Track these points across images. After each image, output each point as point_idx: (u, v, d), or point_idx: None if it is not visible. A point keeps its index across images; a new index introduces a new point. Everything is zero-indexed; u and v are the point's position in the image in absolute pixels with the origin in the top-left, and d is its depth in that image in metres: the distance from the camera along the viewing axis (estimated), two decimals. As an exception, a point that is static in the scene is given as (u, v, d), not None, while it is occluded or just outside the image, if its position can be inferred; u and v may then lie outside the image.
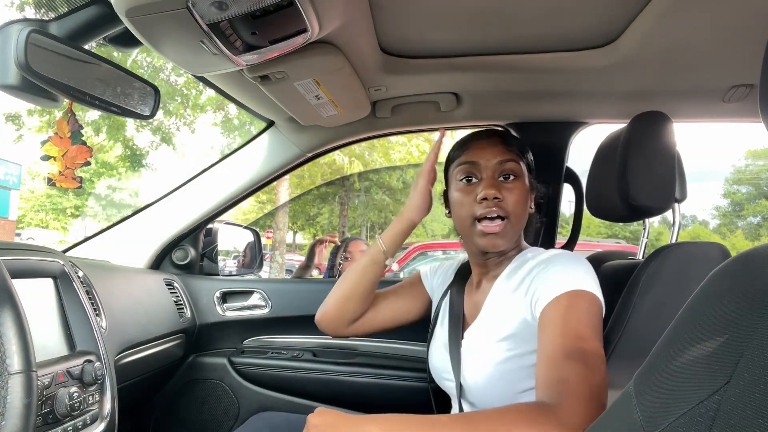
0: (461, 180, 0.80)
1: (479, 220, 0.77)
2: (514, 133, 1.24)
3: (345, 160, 9.11)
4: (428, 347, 0.90)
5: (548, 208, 1.22)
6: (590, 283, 0.66)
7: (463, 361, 0.76)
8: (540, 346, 0.63)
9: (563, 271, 0.67)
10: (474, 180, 0.79)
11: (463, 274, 0.91)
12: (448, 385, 0.82)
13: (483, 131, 0.85)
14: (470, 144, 0.82)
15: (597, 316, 0.64)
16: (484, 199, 0.75)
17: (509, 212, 0.76)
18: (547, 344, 0.62)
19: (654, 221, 1.11)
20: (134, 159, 8.14)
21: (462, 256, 0.95)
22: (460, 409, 0.78)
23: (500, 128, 1.18)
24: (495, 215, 0.76)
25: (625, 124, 0.86)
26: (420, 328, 1.37)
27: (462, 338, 0.79)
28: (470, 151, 0.81)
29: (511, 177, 0.78)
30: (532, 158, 0.83)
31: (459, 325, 0.80)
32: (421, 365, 1.31)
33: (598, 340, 0.61)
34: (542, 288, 0.67)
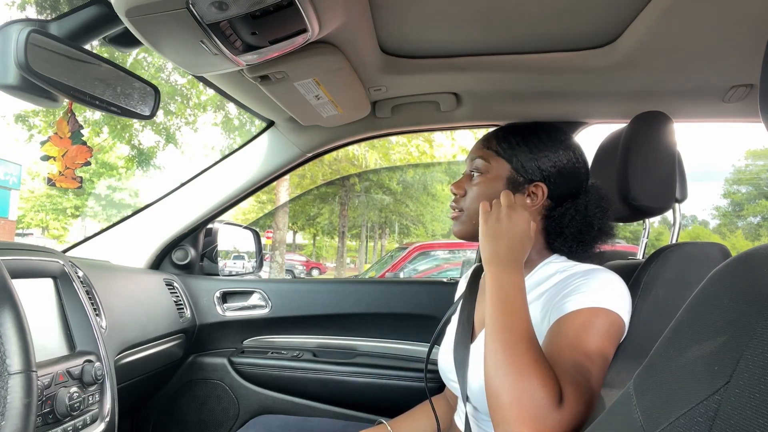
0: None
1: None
2: None
3: (358, 151, 9.10)
4: (433, 343, 0.90)
5: None
6: (615, 303, 0.63)
7: (470, 367, 0.75)
8: (545, 351, 0.62)
9: (591, 288, 0.65)
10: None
11: (476, 277, 0.90)
12: (453, 386, 0.82)
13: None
14: None
15: (612, 338, 0.62)
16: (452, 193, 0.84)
17: (465, 206, 0.81)
18: (552, 351, 0.60)
19: (654, 221, 1.11)
20: (142, 159, 8.13)
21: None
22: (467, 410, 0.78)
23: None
24: (454, 208, 0.83)
25: (625, 124, 0.86)
26: (420, 328, 1.38)
27: (472, 342, 0.78)
28: None
29: (477, 174, 0.81)
30: (535, 157, 0.78)
31: (467, 331, 0.79)
32: (421, 365, 1.31)
33: (602, 363, 0.60)
34: (563, 302, 0.65)
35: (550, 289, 0.71)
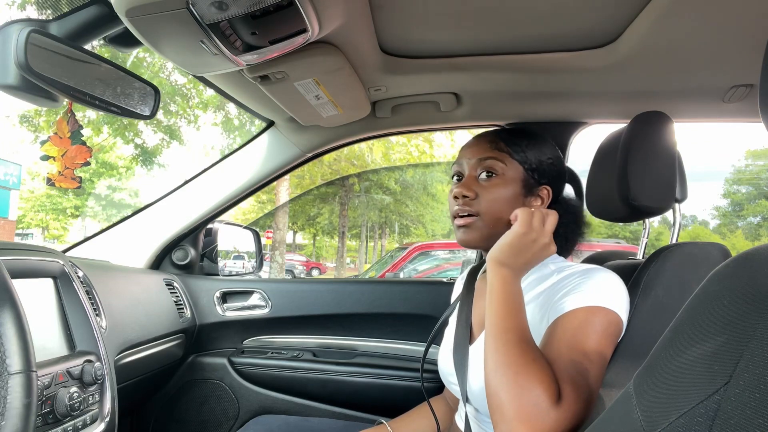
0: (452, 178, 0.83)
1: (455, 217, 0.79)
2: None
3: (363, 146, 9.12)
4: (429, 345, 0.90)
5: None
6: (613, 302, 0.63)
7: (470, 368, 0.75)
8: (543, 350, 0.62)
9: (588, 288, 0.65)
10: (462, 179, 0.81)
11: (472, 278, 0.90)
12: (454, 388, 0.82)
13: (483, 132, 0.85)
14: (464, 145, 0.84)
15: (610, 337, 0.62)
16: (455, 197, 0.78)
17: (482, 211, 0.76)
18: (550, 350, 0.60)
19: (654, 221, 1.11)
20: (145, 158, 8.15)
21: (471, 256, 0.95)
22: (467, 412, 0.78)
23: (501, 127, 1.18)
24: (465, 213, 0.77)
25: (625, 124, 0.85)
26: (420, 328, 1.38)
27: (471, 343, 0.78)
28: (461, 151, 0.83)
29: (492, 175, 0.77)
30: (542, 160, 0.79)
31: (466, 333, 0.79)
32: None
33: (600, 362, 0.60)
34: (561, 301, 0.65)
35: (548, 289, 0.71)
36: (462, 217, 0.78)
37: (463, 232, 0.78)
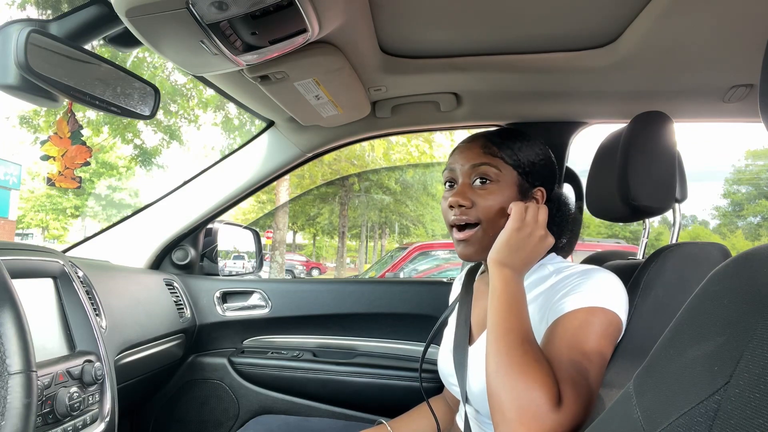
0: (445, 185, 0.82)
1: (452, 227, 0.78)
2: None
3: (366, 144, 9.12)
4: (428, 345, 0.90)
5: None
6: (612, 302, 0.63)
7: (470, 369, 0.75)
8: (543, 351, 0.62)
9: (587, 288, 0.65)
10: (455, 186, 0.79)
11: (470, 278, 0.90)
12: (454, 389, 0.82)
13: (473, 134, 0.84)
14: (455, 149, 0.82)
15: (610, 337, 0.62)
16: (451, 206, 0.76)
17: (481, 219, 0.75)
18: (550, 351, 0.60)
19: (654, 221, 1.11)
20: (145, 158, 8.15)
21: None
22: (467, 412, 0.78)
23: (497, 127, 1.18)
24: (463, 223, 0.76)
25: (625, 124, 0.85)
26: (420, 328, 1.38)
27: (471, 344, 0.78)
28: (452, 155, 0.81)
29: (487, 181, 0.75)
30: (534, 162, 0.78)
31: (465, 333, 0.79)
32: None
33: (600, 362, 0.60)
34: (560, 302, 0.65)
35: (548, 290, 0.71)
36: (461, 229, 0.76)
37: (463, 247, 0.77)
